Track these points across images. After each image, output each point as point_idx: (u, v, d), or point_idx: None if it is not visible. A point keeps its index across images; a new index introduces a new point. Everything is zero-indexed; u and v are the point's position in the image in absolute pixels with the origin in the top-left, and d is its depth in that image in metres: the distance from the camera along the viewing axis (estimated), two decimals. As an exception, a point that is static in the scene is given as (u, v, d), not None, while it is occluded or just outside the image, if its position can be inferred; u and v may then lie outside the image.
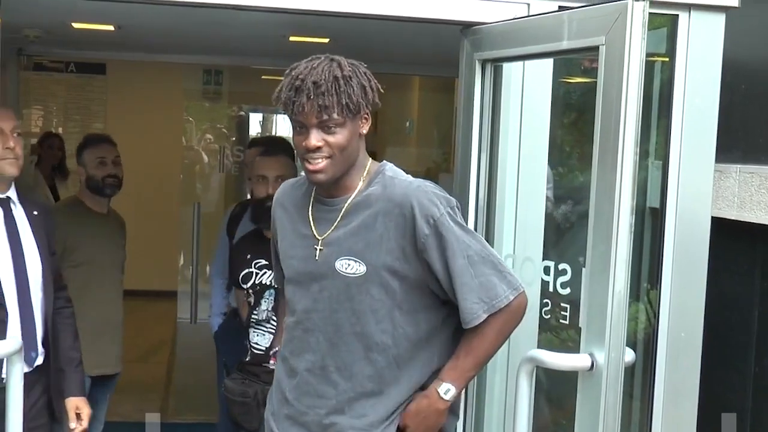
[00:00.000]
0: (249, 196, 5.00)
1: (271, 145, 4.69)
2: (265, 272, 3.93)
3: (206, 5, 3.41)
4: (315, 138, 2.60)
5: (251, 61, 7.53)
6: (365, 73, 2.68)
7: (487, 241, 3.38)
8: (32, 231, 3.49)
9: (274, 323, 3.84)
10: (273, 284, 3.80)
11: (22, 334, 3.35)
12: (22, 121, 8.90)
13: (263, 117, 13.21)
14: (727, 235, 3.74)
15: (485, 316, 2.63)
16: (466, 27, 3.41)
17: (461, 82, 3.46)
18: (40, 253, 3.48)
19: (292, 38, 5.42)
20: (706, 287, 3.47)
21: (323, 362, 2.73)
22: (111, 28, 5.39)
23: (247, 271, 4.02)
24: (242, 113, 12.57)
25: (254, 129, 13.13)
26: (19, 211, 3.49)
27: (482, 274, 2.64)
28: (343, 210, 2.72)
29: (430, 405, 2.71)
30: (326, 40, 5.40)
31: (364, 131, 2.70)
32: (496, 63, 3.37)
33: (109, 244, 4.70)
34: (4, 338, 3.25)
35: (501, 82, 3.38)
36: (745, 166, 3.80)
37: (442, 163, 9.49)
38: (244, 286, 4.04)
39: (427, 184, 2.72)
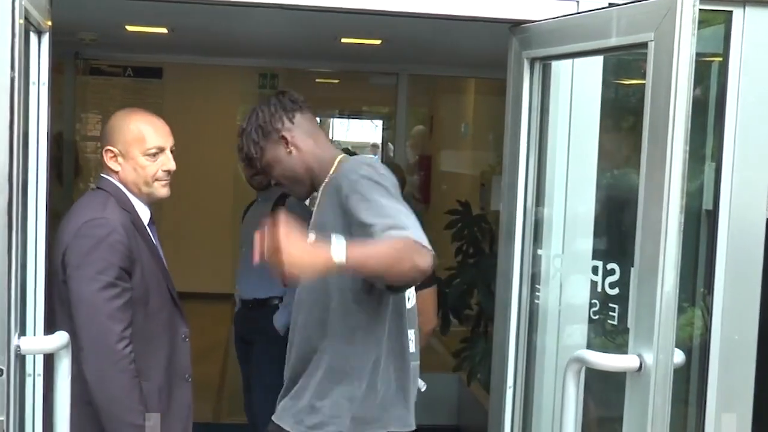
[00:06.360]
0: None
1: None
2: None
3: (256, 5, 3.42)
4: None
5: (303, 63, 7.57)
6: (258, 116, 3.07)
7: (535, 240, 3.37)
8: None
9: None
10: None
11: None
12: (80, 125, 9.04)
13: (319, 120, 13.30)
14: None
15: (382, 234, 2.63)
16: (515, 25, 3.39)
17: (509, 80, 3.44)
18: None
19: (343, 40, 5.43)
20: (760, 289, 3.41)
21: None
22: (164, 30, 5.44)
23: None
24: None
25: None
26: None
27: (390, 216, 2.69)
28: (317, 201, 3.06)
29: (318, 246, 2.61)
30: (378, 42, 5.40)
31: (291, 150, 3.04)
32: (545, 61, 3.34)
33: None
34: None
35: (550, 81, 3.36)
36: (802, 166, 3.73)
37: (496, 166, 9.43)
38: None
39: (360, 159, 3.03)
